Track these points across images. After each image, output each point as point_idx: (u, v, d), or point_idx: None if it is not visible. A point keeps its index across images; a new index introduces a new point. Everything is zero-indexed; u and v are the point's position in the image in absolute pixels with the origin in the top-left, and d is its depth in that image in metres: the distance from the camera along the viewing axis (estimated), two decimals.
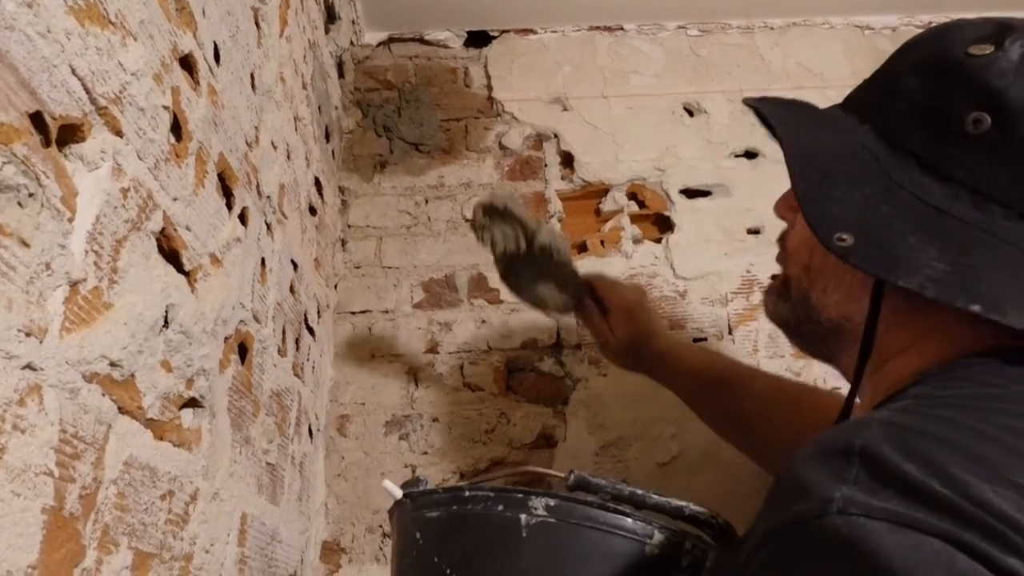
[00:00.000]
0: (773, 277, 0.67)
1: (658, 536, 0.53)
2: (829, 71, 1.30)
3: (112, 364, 0.45)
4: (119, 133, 0.47)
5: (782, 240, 0.64)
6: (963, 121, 0.47)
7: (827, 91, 1.27)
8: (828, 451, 0.39)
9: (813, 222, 0.48)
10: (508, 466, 1.00)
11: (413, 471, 0.99)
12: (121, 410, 0.47)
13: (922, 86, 0.51)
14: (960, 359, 0.47)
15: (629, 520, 0.53)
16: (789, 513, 0.37)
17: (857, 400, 0.54)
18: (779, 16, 1.35)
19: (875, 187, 0.49)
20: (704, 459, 0.99)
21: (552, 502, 0.54)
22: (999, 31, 0.49)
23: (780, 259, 0.64)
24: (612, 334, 0.87)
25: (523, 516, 0.54)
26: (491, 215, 0.82)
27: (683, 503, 0.55)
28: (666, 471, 0.99)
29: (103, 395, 0.44)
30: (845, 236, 0.46)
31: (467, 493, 0.57)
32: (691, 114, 1.26)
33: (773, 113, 0.58)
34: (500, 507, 0.55)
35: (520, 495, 0.55)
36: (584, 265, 1.12)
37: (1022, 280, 0.43)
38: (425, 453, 1.00)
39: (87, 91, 0.43)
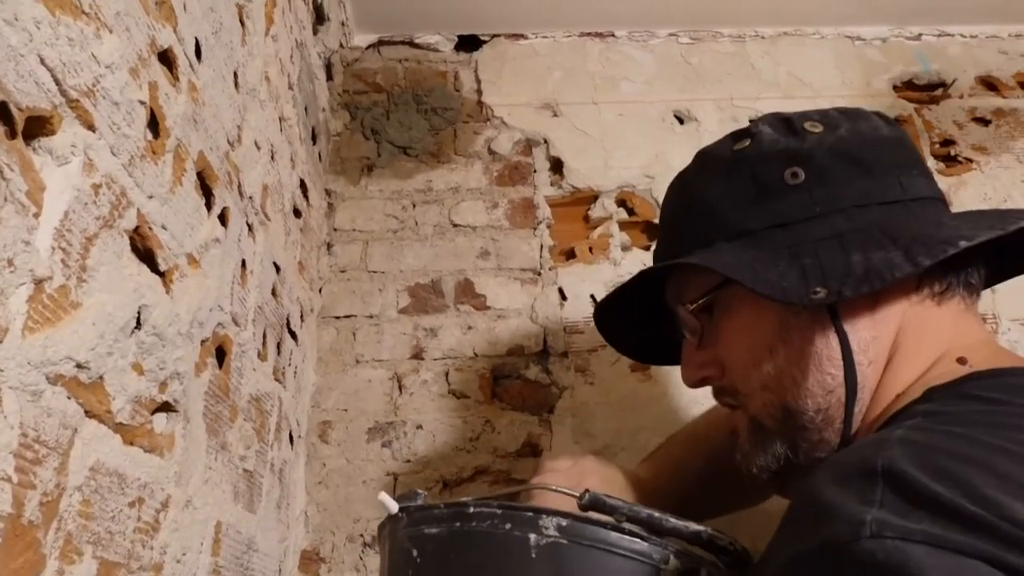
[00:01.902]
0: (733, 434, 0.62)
1: (673, 561, 0.50)
2: (819, 81, 1.30)
3: (79, 366, 0.43)
4: (91, 127, 0.45)
5: (723, 391, 0.62)
6: (783, 182, 0.57)
7: (817, 100, 1.27)
8: (848, 473, 0.39)
9: (784, 298, 0.51)
10: (492, 475, 0.98)
11: (395, 479, 0.97)
12: (88, 414, 0.45)
13: (732, 189, 0.59)
14: (952, 373, 0.48)
15: (644, 543, 0.50)
16: (817, 537, 0.36)
17: None
18: (770, 25, 1.35)
19: (784, 258, 0.54)
20: None
21: (564, 522, 0.51)
22: (738, 135, 0.62)
23: (736, 405, 0.61)
24: None
25: (532, 536, 0.51)
26: None
27: (701, 527, 0.53)
28: None
29: (69, 398, 0.43)
30: (817, 289, 0.50)
31: (472, 509, 0.53)
32: (681, 122, 1.26)
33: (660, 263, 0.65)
34: (508, 525, 0.51)
35: (530, 513, 0.52)
36: (572, 271, 1.11)
37: (946, 223, 0.52)
38: (408, 461, 0.98)
39: (57, 83, 0.42)
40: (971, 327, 0.55)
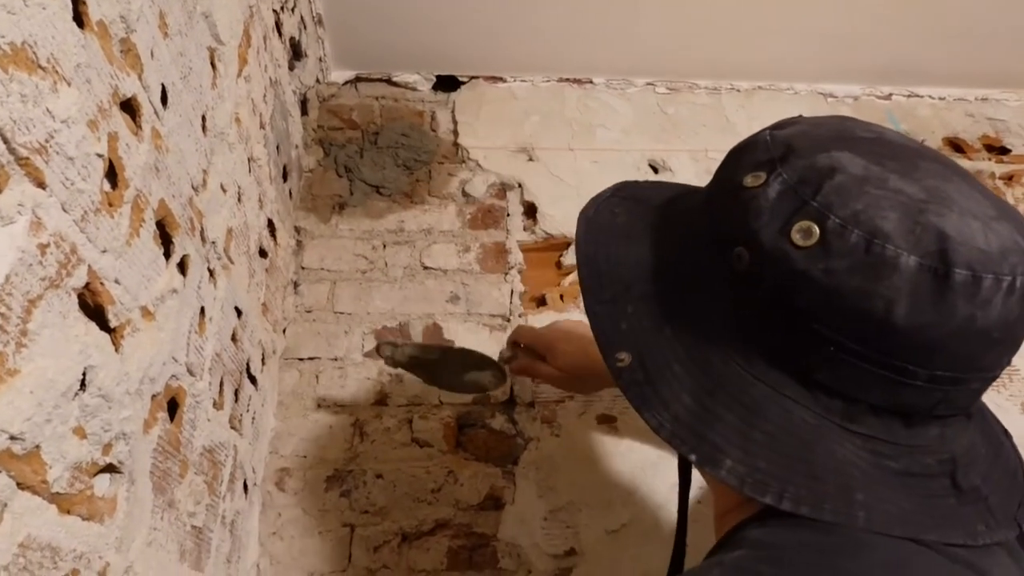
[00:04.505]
0: None
1: None
2: None
3: (12, 438, 0.41)
4: (41, 185, 0.43)
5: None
6: (731, 253, 0.47)
7: None
8: None
9: (599, 346, 0.50)
10: (452, 528, 0.96)
11: (352, 530, 0.94)
12: (20, 486, 0.43)
13: (707, 211, 0.52)
14: None
15: None
16: None
17: None
18: (746, 79, 1.37)
19: (654, 297, 0.52)
20: (655, 527, 0.97)
21: None
22: (774, 159, 0.47)
23: None
24: (556, 370, 0.84)
25: None
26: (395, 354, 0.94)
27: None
28: (616, 538, 0.96)
29: None
30: (621, 355, 0.49)
31: None
32: (656, 171, 1.26)
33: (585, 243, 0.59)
34: None
35: None
36: (543, 319, 1.10)
37: (747, 436, 0.44)
38: (366, 512, 0.95)
39: (5, 141, 0.40)
40: None
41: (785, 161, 0.46)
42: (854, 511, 0.41)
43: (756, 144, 0.51)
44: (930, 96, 1.41)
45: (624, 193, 0.64)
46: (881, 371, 0.42)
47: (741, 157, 0.51)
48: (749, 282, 0.46)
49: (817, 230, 0.43)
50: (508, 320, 1.10)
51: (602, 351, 0.50)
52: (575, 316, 1.12)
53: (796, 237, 0.43)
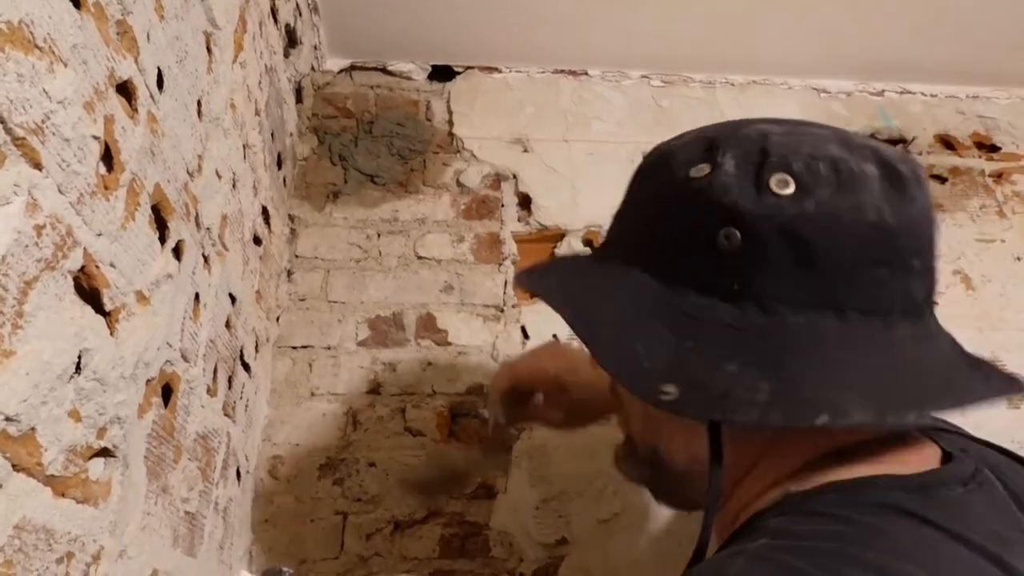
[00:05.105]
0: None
1: None
2: None
3: (8, 419, 0.41)
4: (38, 166, 0.43)
5: (617, 397, 0.61)
6: (716, 240, 0.47)
7: None
8: None
9: (630, 385, 0.46)
10: (445, 517, 0.96)
11: (344, 518, 0.94)
12: (16, 467, 0.43)
13: (667, 216, 0.51)
14: (815, 482, 0.46)
15: None
16: None
17: None
18: (740, 73, 1.37)
19: (670, 325, 0.48)
20: (646, 517, 0.97)
21: None
22: (708, 148, 0.50)
23: (621, 422, 0.62)
24: (559, 417, 0.81)
25: None
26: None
27: None
28: (607, 528, 0.97)
29: None
30: (667, 388, 0.44)
31: None
32: None
33: (543, 287, 0.58)
34: None
35: None
36: (536, 310, 1.10)
37: (840, 376, 0.44)
38: (359, 500, 0.96)
39: (2, 121, 0.39)
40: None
41: (719, 146, 0.50)
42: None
43: (670, 152, 0.53)
44: (922, 93, 1.42)
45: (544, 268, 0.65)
46: (896, 272, 0.46)
47: (665, 168, 0.53)
48: (748, 254, 0.46)
49: (789, 177, 0.46)
50: (502, 311, 1.10)
51: (640, 391, 0.46)
52: None
53: (777, 188, 0.46)
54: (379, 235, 1.14)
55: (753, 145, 0.49)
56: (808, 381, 0.44)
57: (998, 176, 1.34)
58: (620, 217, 0.59)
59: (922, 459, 0.48)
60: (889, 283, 0.46)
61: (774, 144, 0.48)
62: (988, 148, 1.37)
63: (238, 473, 0.89)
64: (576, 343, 0.70)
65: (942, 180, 1.32)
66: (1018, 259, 1.25)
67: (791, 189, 0.46)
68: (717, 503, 0.46)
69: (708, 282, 0.48)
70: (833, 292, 0.46)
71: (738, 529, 0.48)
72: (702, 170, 0.49)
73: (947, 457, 0.48)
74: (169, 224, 0.63)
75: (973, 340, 1.16)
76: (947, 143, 1.37)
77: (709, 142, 0.51)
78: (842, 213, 0.45)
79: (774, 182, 0.47)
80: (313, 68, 1.24)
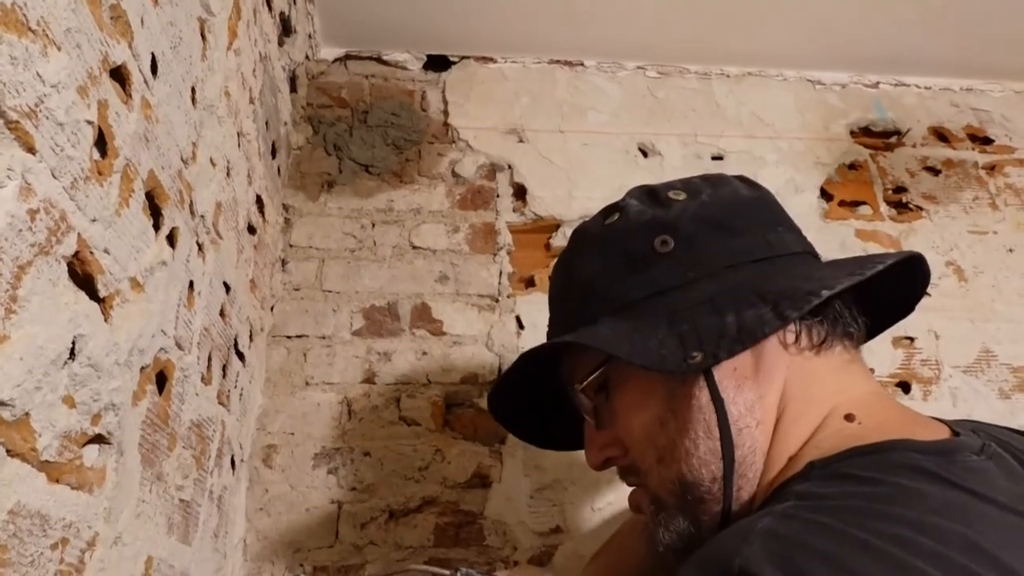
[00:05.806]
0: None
1: None
2: (780, 122, 1.32)
3: (2, 404, 0.41)
4: (31, 150, 0.43)
5: (626, 471, 0.61)
6: (655, 250, 0.58)
7: (778, 141, 1.30)
8: (708, 570, 0.40)
9: (665, 368, 0.51)
10: (439, 506, 0.97)
11: (339, 507, 0.94)
12: (10, 453, 0.42)
13: (605, 262, 0.60)
14: (839, 434, 0.49)
15: None
16: None
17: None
18: (736, 65, 1.37)
19: (663, 325, 0.54)
20: None
21: None
22: (607, 209, 0.64)
23: (639, 484, 0.60)
24: None
25: None
26: None
27: None
28: (601, 517, 0.97)
29: None
30: (694, 354, 0.50)
31: None
32: (645, 155, 1.27)
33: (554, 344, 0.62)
34: None
35: None
36: (531, 300, 1.10)
37: (803, 276, 0.54)
38: (354, 489, 0.96)
39: None
40: (856, 379, 0.55)
41: (615, 204, 0.64)
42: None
43: (577, 229, 0.67)
44: (916, 85, 1.42)
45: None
46: (785, 227, 0.60)
47: (579, 238, 0.66)
48: (684, 246, 0.58)
49: (679, 189, 0.62)
50: (497, 301, 1.11)
51: (675, 368, 0.51)
52: None
53: (675, 197, 0.61)
54: (374, 225, 1.14)
55: (639, 190, 0.64)
56: (788, 287, 0.52)
57: (991, 168, 1.35)
58: (558, 304, 0.66)
59: (931, 431, 0.49)
60: (785, 235, 0.59)
61: (651, 186, 0.64)
62: (981, 140, 1.38)
63: (232, 462, 0.89)
64: None
65: (936, 172, 1.33)
66: (1010, 251, 1.26)
67: (684, 195, 0.61)
68: (735, 456, 0.51)
69: (668, 287, 0.56)
70: (757, 246, 0.57)
71: (766, 499, 0.49)
72: (613, 216, 0.62)
73: (954, 434, 0.49)
74: (163, 211, 0.63)
75: (965, 331, 1.17)
76: (941, 135, 1.37)
77: (605, 210, 0.64)
78: (725, 195, 0.61)
79: (670, 195, 0.61)
80: (308, 57, 1.23)
